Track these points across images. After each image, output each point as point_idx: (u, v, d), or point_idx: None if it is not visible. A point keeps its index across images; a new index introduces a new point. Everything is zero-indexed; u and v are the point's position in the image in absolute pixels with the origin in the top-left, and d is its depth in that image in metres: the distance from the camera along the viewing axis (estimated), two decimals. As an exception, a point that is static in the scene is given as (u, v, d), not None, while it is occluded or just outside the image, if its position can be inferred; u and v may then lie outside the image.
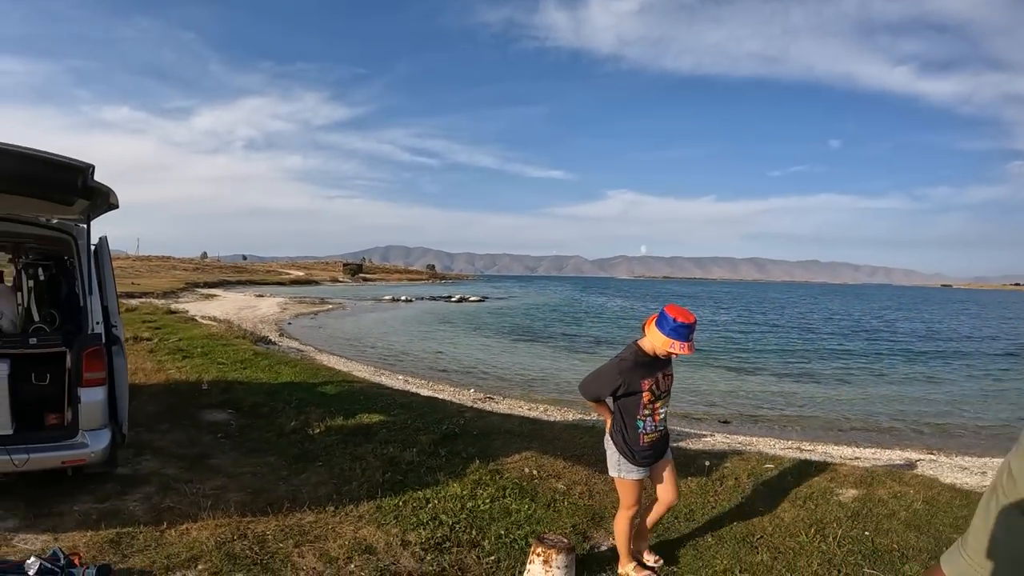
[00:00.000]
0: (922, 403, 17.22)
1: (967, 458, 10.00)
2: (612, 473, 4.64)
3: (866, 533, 5.41)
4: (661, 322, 4.27)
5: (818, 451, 9.72)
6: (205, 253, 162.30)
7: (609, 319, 47.90)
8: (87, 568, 4.18)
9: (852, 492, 6.36)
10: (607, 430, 4.65)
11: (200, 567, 4.38)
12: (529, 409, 12.22)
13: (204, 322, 23.63)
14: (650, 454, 4.57)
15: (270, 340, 20.84)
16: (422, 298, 67.75)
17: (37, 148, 4.50)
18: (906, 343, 34.69)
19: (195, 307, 32.73)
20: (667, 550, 5.03)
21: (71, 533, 4.79)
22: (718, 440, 10.05)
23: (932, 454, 10.27)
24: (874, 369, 23.96)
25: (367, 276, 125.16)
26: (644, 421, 4.46)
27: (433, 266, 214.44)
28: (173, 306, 30.23)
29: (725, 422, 13.55)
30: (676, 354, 4.27)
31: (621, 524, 4.65)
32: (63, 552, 4.30)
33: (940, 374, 23.25)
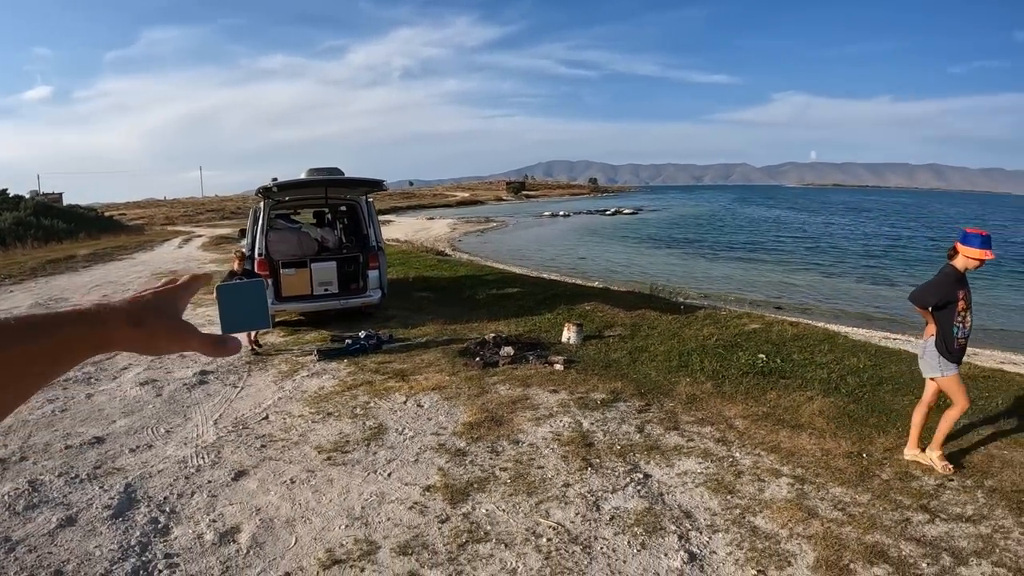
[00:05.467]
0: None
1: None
2: (933, 374, 5.77)
3: (739, 340, 10.13)
4: (971, 240, 5.51)
5: (818, 325, 13.24)
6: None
7: (749, 230, 51.55)
8: (384, 334, 10.41)
9: (755, 326, 11.14)
10: (925, 339, 5.83)
11: (427, 335, 10.55)
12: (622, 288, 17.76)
13: (390, 243, 30.22)
14: (960, 356, 5.69)
15: (446, 253, 27.29)
16: (579, 212, 71.21)
17: (359, 176, 11.82)
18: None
19: (375, 232, 39.41)
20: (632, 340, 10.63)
21: (368, 330, 10.93)
22: (748, 312, 15.08)
23: (892, 333, 13.38)
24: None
25: (529, 193, 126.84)
26: (958, 327, 5.59)
27: (595, 180, 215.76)
28: (357, 233, 36.76)
29: (779, 308, 17.45)
30: (987, 260, 5.51)
31: (952, 415, 5.73)
32: (374, 331, 10.52)
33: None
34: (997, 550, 4.41)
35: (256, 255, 11.43)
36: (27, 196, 45.81)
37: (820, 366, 8.80)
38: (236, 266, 10.00)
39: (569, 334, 10.00)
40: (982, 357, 10.89)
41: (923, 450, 5.86)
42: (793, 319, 13.17)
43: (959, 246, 5.58)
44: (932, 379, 5.79)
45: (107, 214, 55.39)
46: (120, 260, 24.80)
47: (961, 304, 5.55)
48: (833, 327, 12.45)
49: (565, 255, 31.73)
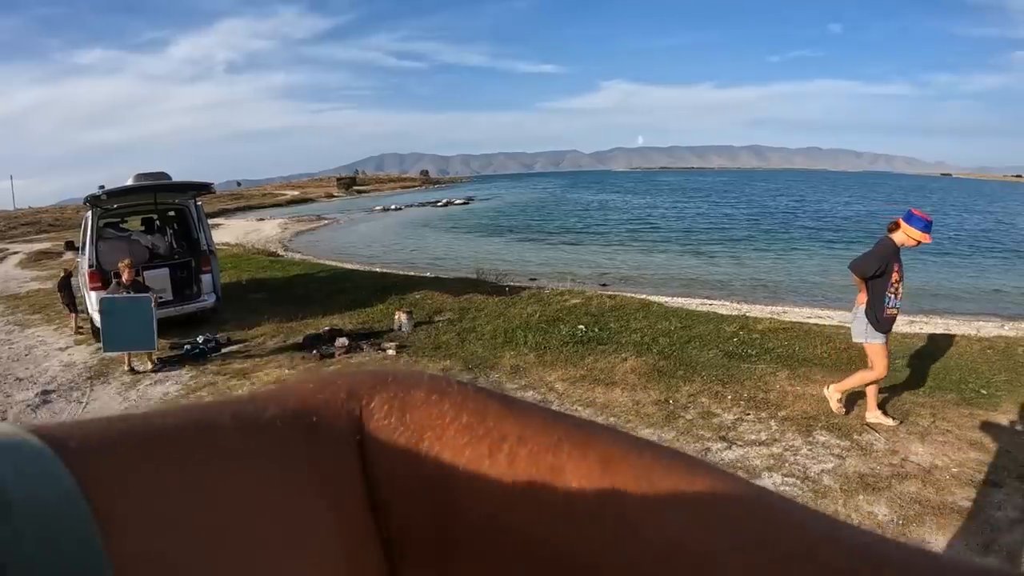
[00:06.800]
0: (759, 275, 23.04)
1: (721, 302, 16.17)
2: (859, 340, 6.09)
3: (561, 314, 11.17)
4: (915, 222, 5.73)
5: (636, 296, 15.65)
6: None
7: (577, 215, 53.70)
8: (222, 337, 10.61)
9: (576, 301, 12.21)
10: (857, 305, 6.08)
11: (264, 334, 10.85)
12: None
13: (220, 247, 29.70)
14: (888, 326, 5.94)
15: (278, 254, 26.98)
16: (411, 205, 70.70)
17: (186, 180, 11.80)
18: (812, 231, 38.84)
19: (204, 237, 38.67)
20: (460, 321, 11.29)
21: (206, 334, 11.10)
22: (570, 289, 16.20)
23: (708, 299, 16.23)
24: (748, 248, 29.77)
25: (361, 188, 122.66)
26: (890, 297, 5.81)
27: (427, 171, 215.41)
28: (186, 238, 35.99)
29: (604, 285, 18.45)
30: (924, 242, 5.81)
31: (867, 376, 6.10)
32: (214, 335, 10.70)
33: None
34: (787, 464, 5.39)
35: (87, 266, 11.30)
36: None
37: (634, 331, 9.85)
38: (125, 277, 9.15)
39: (400, 321, 10.67)
40: (791, 314, 12.30)
41: (884, 412, 6.22)
42: (613, 293, 14.23)
43: (902, 223, 5.81)
44: (859, 343, 6.17)
45: (-93, 237, 51.30)
46: (-72, 286, 23.13)
47: (895, 276, 5.80)
48: (652, 297, 13.62)
49: (397, 248, 32.07)
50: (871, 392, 6.20)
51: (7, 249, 35.62)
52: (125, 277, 9.10)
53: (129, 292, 9.06)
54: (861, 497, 4.79)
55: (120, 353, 9.16)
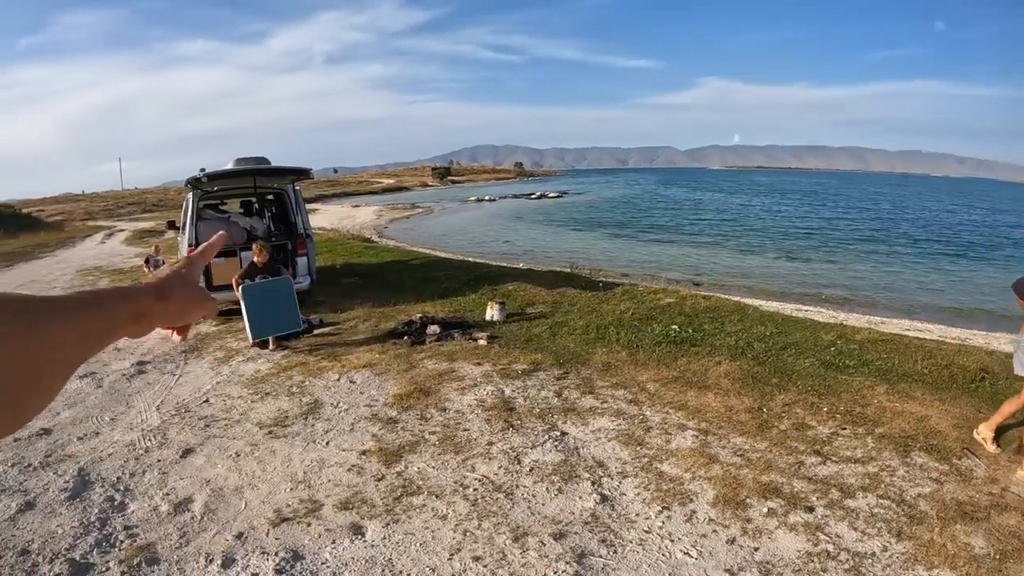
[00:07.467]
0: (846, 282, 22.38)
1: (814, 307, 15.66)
2: (1021, 372, 5.35)
3: (654, 313, 10.91)
4: None
5: (730, 298, 14.81)
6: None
7: (672, 212, 53.41)
8: (314, 319, 10.75)
9: (670, 300, 11.95)
10: (1022, 333, 5.42)
11: (356, 318, 10.93)
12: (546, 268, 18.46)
13: (316, 231, 30.41)
14: None
15: (372, 240, 27.58)
16: (504, 197, 71.43)
17: (284, 165, 11.89)
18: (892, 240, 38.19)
19: (302, 221, 39.68)
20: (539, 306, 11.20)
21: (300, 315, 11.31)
22: (664, 288, 16.00)
23: (804, 305, 15.46)
24: (847, 254, 29.15)
25: (455, 179, 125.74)
26: None
27: (521, 164, 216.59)
28: (284, 222, 36.84)
29: (697, 285, 18.11)
30: None
31: (1007, 409, 5.41)
32: (307, 317, 10.85)
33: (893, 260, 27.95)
34: (882, 485, 5.07)
35: (187, 245, 11.63)
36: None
37: (729, 334, 9.53)
38: (257, 258, 9.58)
39: (492, 312, 10.57)
40: (890, 325, 11.86)
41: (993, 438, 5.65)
42: (707, 293, 13.94)
43: None
44: (1019, 376, 5.44)
45: (24, 211, 53.49)
46: (42, 258, 24.18)
47: None
48: (747, 300, 13.28)
49: (490, 239, 32.25)
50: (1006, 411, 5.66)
51: (115, 226, 37.24)
52: (258, 259, 9.50)
53: (265, 275, 9.37)
54: (958, 526, 4.48)
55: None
